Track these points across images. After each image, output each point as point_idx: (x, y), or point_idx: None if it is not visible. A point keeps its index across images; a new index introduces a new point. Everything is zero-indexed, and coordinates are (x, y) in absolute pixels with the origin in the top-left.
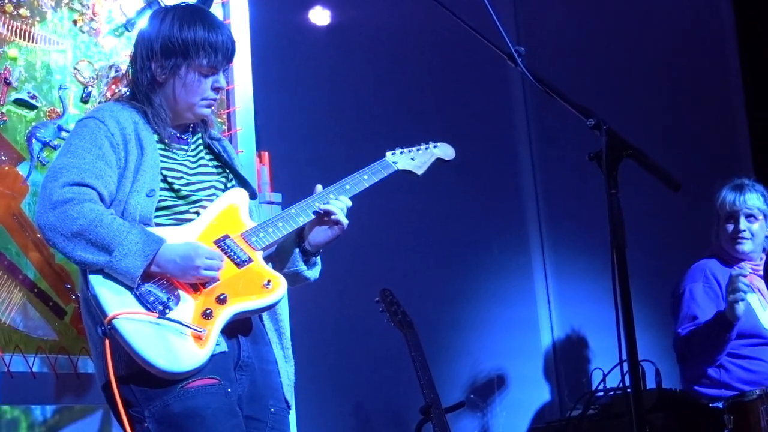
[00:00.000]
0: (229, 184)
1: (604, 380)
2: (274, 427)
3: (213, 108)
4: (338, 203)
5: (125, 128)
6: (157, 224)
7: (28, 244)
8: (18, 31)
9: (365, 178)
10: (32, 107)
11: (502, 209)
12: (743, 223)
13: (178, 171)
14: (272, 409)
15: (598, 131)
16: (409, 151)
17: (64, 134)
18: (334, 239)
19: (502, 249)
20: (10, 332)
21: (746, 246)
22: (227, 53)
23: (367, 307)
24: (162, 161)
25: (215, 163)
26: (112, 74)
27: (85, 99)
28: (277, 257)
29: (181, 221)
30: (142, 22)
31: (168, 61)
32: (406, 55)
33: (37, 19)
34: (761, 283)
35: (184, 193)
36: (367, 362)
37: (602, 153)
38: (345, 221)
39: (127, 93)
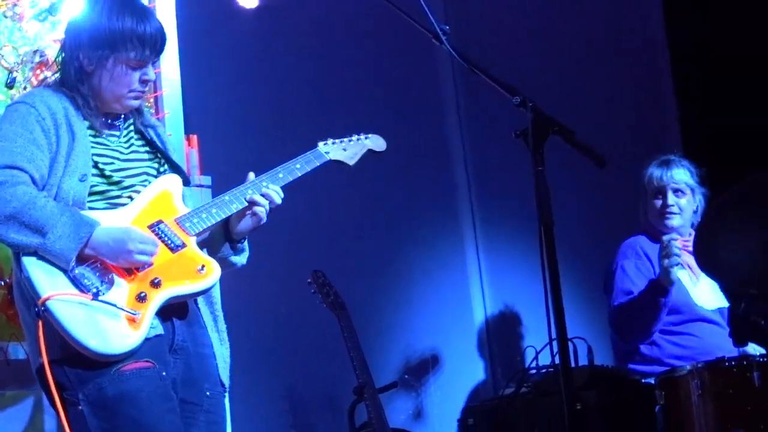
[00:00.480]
0: (161, 170)
1: (536, 358)
2: (209, 410)
3: (141, 99)
4: (265, 198)
5: (56, 113)
6: (91, 208)
7: None
8: None
9: (297, 168)
10: None
11: (432, 187)
12: (671, 198)
13: (108, 157)
14: (208, 393)
15: (524, 108)
16: (341, 142)
17: None
18: (254, 229)
19: (433, 228)
20: None
21: (675, 221)
22: (155, 47)
23: (299, 289)
24: (93, 147)
25: (147, 149)
26: (37, 59)
27: (9, 84)
28: (205, 243)
29: (115, 206)
30: (66, 6)
31: (95, 52)
32: (335, 38)
33: None
34: (691, 259)
35: (116, 178)
36: (299, 344)
37: (528, 130)
38: (264, 218)
39: (58, 78)
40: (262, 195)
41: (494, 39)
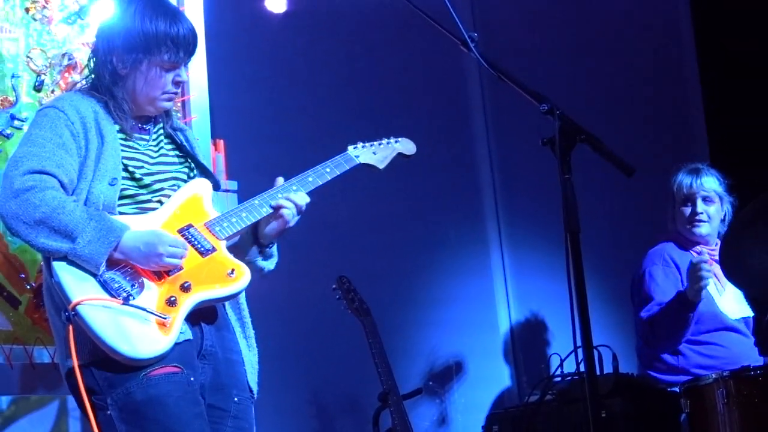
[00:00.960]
0: (191, 174)
1: (561, 365)
2: (237, 416)
3: (174, 102)
4: (291, 201)
5: (85, 117)
6: (121, 213)
7: None
8: None
9: (327, 171)
10: None
11: (459, 194)
12: (700, 206)
13: (138, 160)
14: (236, 399)
15: (552, 116)
16: (371, 145)
17: (16, 123)
18: (280, 233)
19: (458, 234)
20: None
21: (703, 229)
22: (188, 48)
23: (324, 295)
24: (123, 150)
25: (177, 153)
26: (65, 62)
27: (38, 87)
28: (235, 247)
29: (145, 210)
30: (95, 9)
31: (129, 55)
32: (363, 43)
33: None
34: (717, 269)
35: (146, 182)
36: (325, 349)
37: (555, 138)
38: (291, 221)
39: (88, 83)
40: (287, 199)
41: (522, 46)
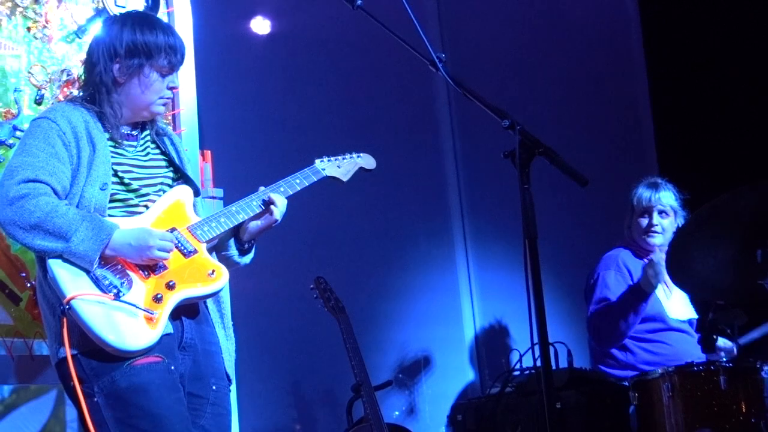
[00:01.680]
0: (175, 178)
1: (520, 361)
2: (215, 403)
3: (167, 107)
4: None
5: (76, 127)
6: (111, 215)
7: None
8: None
9: (297, 182)
10: None
11: (427, 204)
12: (656, 218)
13: (127, 165)
14: (214, 387)
15: (512, 131)
16: (336, 159)
17: (18, 134)
18: (265, 230)
19: (428, 239)
20: None
21: (657, 239)
22: (182, 55)
23: (303, 294)
24: (113, 157)
25: (163, 158)
26: (64, 78)
27: (38, 101)
28: (215, 246)
29: (132, 213)
30: (93, 29)
31: (132, 61)
32: (339, 63)
33: None
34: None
35: (134, 186)
36: (303, 345)
37: (516, 151)
38: (279, 216)
39: (80, 94)
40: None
41: (486, 65)
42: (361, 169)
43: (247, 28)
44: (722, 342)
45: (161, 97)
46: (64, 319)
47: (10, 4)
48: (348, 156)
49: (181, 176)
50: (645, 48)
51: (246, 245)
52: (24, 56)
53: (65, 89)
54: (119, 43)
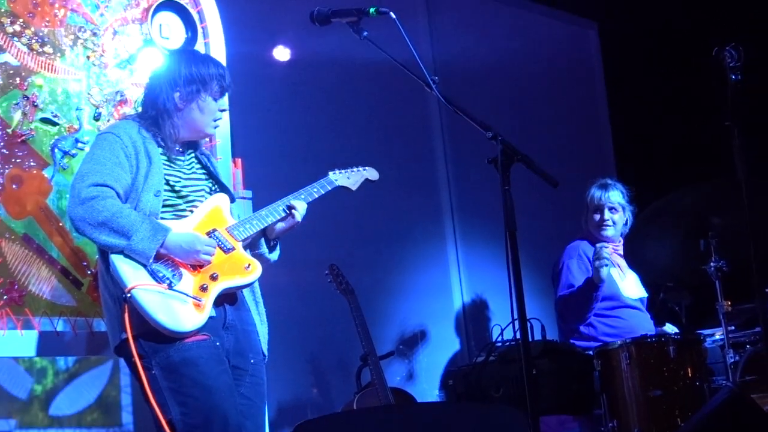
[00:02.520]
0: (214, 188)
1: (501, 334)
2: (253, 374)
3: (217, 128)
4: (301, 205)
5: (136, 141)
6: (162, 218)
7: (53, 231)
8: (43, 64)
9: (315, 191)
10: (55, 124)
11: (423, 203)
12: (607, 214)
13: (176, 176)
14: (252, 360)
15: (495, 141)
16: (346, 171)
17: (80, 145)
18: (288, 230)
19: (423, 235)
20: (39, 300)
21: (609, 232)
22: (230, 79)
23: (318, 279)
24: (165, 168)
25: (203, 172)
26: (118, 98)
27: (96, 117)
28: (249, 244)
29: (179, 217)
30: (141, 57)
31: (190, 88)
32: (350, 81)
33: (58, 55)
34: (621, 260)
35: (183, 193)
36: (318, 321)
37: (498, 158)
38: (299, 218)
39: (136, 114)
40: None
41: (473, 83)
42: (367, 180)
43: (271, 55)
44: (669, 327)
45: (215, 119)
46: (126, 306)
47: (72, 36)
48: (356, 169)
49: (218, 186)
50: (605, 71)
51: (272, 242)
52: (84, 80)
53: (119, 108)
54: (178, 76)
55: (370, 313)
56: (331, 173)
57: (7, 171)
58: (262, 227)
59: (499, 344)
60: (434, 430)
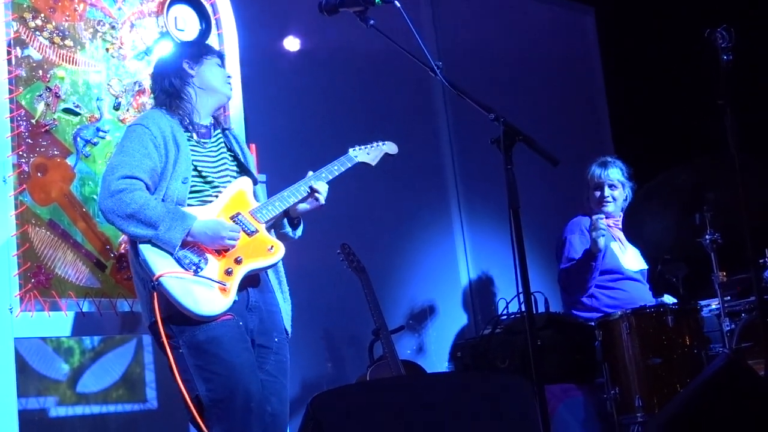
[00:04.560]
0: (238, 170)
1: (506, 307)
2: (277, 352)
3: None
4: (322, 186)
5: (164, 131)
6: (189, 205)
7: (77, 217)
8: (64, 57)
9: (336, 169)
10: (76, 114)
11: (429, 183)
12: (607, 191)
13: (204, 161)
14: (276, 339)
15: (497, 122)
16: (365, 147)
17: (100, 134)
18: (311, 211)
19: (431, 213)
20: (65, 282)
21: (609, 207)
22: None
23: (332, 257)
24: (192, 154)
25: (230, 154)
26: (136, 88)
27: (116, 107)
28: (272, 225)
29: (205, 202)
30: (158, 50)
31: (194, 51)
32: (358, 67)
33: (79, 47)
34: (620, 234)
35: (210, 178)
36: (333, 298)
37: (500, 138)
38: (323, 201)
39: (160, 101)
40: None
41: (475, 67)
42: (386, 154)
43: (281, 46)
44: (667, 298)
45: (227, 77)
46: (155, 293)
47: (92, 30)
48: (375, 144)
49: (242, 169)
50: (602, 56)
51: (295, 221)
52: (104, 71)
53: (137, 97)
54: (181, 50)
55: (381, 290)
56: (351, 150)
57: (32, 160)
58: (285, 208)
59: (505, 317)
60: (444, 399)
